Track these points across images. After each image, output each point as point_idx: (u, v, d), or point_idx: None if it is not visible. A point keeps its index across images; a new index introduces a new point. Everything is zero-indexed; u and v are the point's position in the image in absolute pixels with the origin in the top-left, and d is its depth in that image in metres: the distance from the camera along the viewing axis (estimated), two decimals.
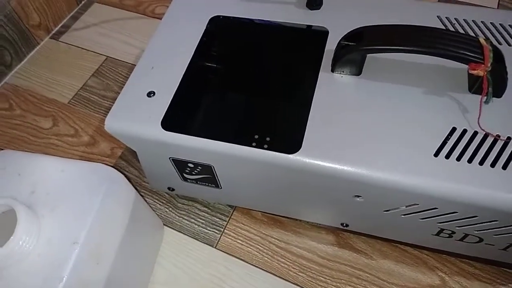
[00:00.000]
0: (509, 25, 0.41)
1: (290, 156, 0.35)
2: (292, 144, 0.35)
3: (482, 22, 0.42)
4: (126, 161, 0.54)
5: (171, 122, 0.38)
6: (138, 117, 0.38)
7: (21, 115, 0.60)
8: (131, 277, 0.40)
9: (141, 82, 0.41)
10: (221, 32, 0.46)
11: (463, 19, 0.42)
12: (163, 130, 0.37)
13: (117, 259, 0.35)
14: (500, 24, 0.41)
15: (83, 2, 0.74)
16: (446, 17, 0.42)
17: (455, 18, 0.42)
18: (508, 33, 0.41)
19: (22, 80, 0.64)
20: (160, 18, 0.47)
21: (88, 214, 0.32)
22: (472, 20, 0.42)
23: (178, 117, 0.38)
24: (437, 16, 0.42)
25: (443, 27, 0.41)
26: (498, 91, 0.36)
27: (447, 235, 0.38)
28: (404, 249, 0.45)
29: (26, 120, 0.59)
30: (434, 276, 0.43)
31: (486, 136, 0.34)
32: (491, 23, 0.42)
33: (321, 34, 0.42)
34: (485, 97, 0.35)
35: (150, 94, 0.39)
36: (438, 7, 0.44)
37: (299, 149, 0.35)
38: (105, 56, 0.66)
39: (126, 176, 0.50)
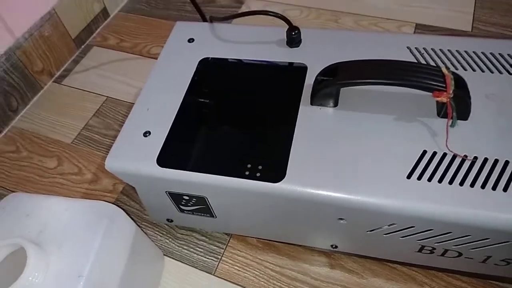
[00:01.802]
0: (473, 51, 0.45)
1: (276, 184, 0.38)
2: (277, 173, 0.38)
3: (448, 50, 0.45)
4: (127, 195, 0.57)
5: (165, 159, 0.41)
6: (135, 156, 0.41)
7: (27, 156, 0.64)
8: None
9: (138, 123, 0.44)
10: (210, 72, 0.49)
11: (431, 48, 0.46)
12: (158, 167, 0.40)
13: None
14: (465, 51, 0.45)
15: (83, 47, 0.79)
16: (415, 48, 0.46)
17: (423, 48, 0.46)
18: (472, 59, 0.44)
19: (28, 123, 0.68)
20: (156, 58, 0.50)
21: (91, 249, 0.35)
22: (439, 49, 0.45)
23: (172, 154, 0.42)
24: (407, 47, 0.46)
25: (413, 57, 0.45)
26: (463, 115, 0.39)
27: (429, 251, 0.40)
28: (393, 267, 0.47)
29: (32, 161, 0.63)
30: None
31: (454, 157, 0.37)
32: (456, 50, 0.45)
33: (301, 70, 0.46)
34: (451, 121, 0.38)
35: (146, 134, 0.43)
36: (408, 39, 0.48)
37: (283, 178, 0.38)
38: (105, 97, 0.70)
39: (127, 209, 0.54)
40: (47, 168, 0.62)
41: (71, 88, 0.73)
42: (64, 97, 0.71)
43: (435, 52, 0.45)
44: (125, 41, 0.79)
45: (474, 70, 0.43)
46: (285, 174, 0.38)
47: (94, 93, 0.71)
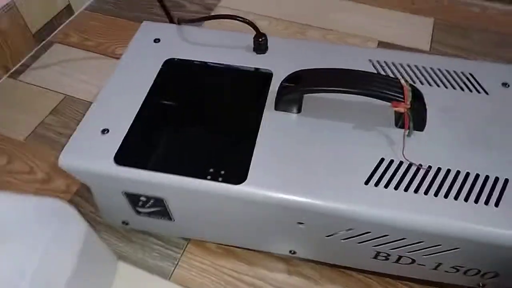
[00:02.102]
0: (430, 67, 0.47)
1: (237, 186, 0.37)
2: (238, 176, 0.38)
3: (407, 65, 0.47)
4: (81, 196, 0.55)
5: (123, 157, 0.40)
6: (92, 153, 0.40)
7: None
8: None
9: (96, 120, 0.43)
10: (175, 73, 0.49)
11: (391, 62, 0.47)
12: (115, 165, 0.39)
13: None
14: (422, 66, 0.47)
15: (43, 43, 0.76)
16: (376, 61, 0.48)
17: (384, 61, 0.47)
18: (429, 75, 0.46)
19: None
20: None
21: (37, 247, 0.33)
22: (399, 63, 0.47)
23: (131, 152, 0.40)
24: (369, 60, 0.48)
25: (374, 70, 0.47)
26: (419, 125, 0.40)
27: (384, 258, 0.41)
28: (350, 274, 0.48)
29: None
30: None
31: (410, 165, 0.38)
32: (415, 65, 0.47)
33: (266, 76, 0.46)
34: (407, 131, 0.40)
35: (105, 131, 0.41)
36: (370, 52, 0.49)
37: (244, 180, 0.38)
38: (64, 95, 0.67)
39: (81, 211, 0.51)
40: None
41: (27, 84, 0.69)
42: (19, 93, 0.68)
43: (395, 66, 0.47)
44: (89, 40, 0.77)
45: (430, 85, 0.46)
46: (247, 176, 0.38)
47: (52, 90, 0.68)
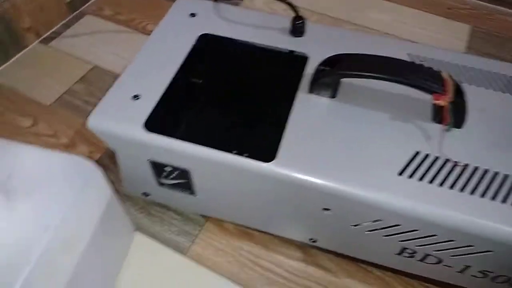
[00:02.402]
0: (470, 67, 0.46)
1: (265, 164, 0.37)
2: (267, 153, 0.37)
3: (447, 62, 0.46)
4: (103, 165, 0.54)
5: (153, 124, 0.39)
6: (122, 117, 0.39)
7: (1, 112, 0.60)
8: (97, 275, 0.40)
9: (128, 85, 0.42)
10: (209, 48, 0.48)
11: (431, 58, 0.46)
12: (145, 131, 0.38)
13: (86, 253, 0.35)
14: (463, 65, 0.46)
15: (76, 12, 0.76)
16: (416, 55, 0.46)
17: (423, 57, 0.46)
18: (469, 74, 0.45)
19: (6, 79, 0.64)
20: None
21: (62, 203, 0.33)
22: (439, 60, 0.46)
23: (161, 120, 0.40)
24: (407, 54, 0.46)
25: None
26: (458, 122, 0.39)
27: (409, 255, 0.40)
28: (369, 270, 0.46)
29: (4, 118, 0.59)
30: None
31: (446, 161, 0.37)
32: (455, 64, 0.46)
33: (302, 59, 0.45)
34: (447, 126, 0.38)
35: (136, 97, 0.41)
36: (409, 46, 0.48)
37: (274, 159, 0.37)
38: (93, 65, 0.67)
39: None
40: (20, 126, 0.58)
41: (58, 50, 0.69)
42: (49, 58, 0.68)
43: (434, 62, 0.46)
44: (121, 14, 0.77)
45: (470, 84, 0.44)
46: (276, 155, 0.37)
47: (81, 59, 0.68)
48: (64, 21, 0.74)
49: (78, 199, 0.34)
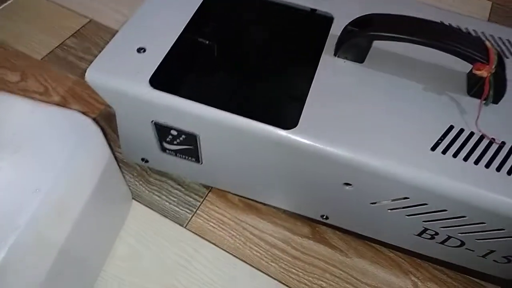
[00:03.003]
0: (506, 39, 0.42)
1: (285, 132, 0.33)
2: (288, 120, 0.33)
3: (482, 33, 0.42)
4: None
5: (161, 80, 0.35)
6: (125, 71, 0.35)
7: None
8: (91, 244, 0.37)
9: (132, 36, 0.38)
10: (223, 3, 0.43)
11: (465, 28, 0.42)
12: (151, 88, 0.34)
13: (80, 219, 0.32)
14: (498, 37, 0.42)
15: None
16: (448, 23, 0.42)
17: (457, 26, 0.42)
18: (506, 47, 0.41)
19: None
20: None
21: (55, 162, 0.29)
22: (473, 30, 0.42)
23: (169, 76, 0.35)
24: (440, 21, 0.42)
25: None
26: (497, 96, 0.35)
27: (429, 237, 0.37)
28: (380, 250, 0.44)
29: None
30: (407, 280, 0.42)
31: (482, 137, 0.34)
32: (490, 35, 0.42)
33: (326, 19, 0.41)
34: (485, 100, 0.35)
35: (141, 50, 0.36)
36: (444, 14, 0.44)
37: (295, 126, 0.33)
38: (89, 19, 0.62)
39: None
40: (7, 81, 0.53)
41: (51, 2, 0.63)
42: (41, 9, 0.62)
43: (476, 33, 0.42)
44: None
45: (507, 58, 0.40)
46: (298, 123, 0.33)
47: (77, 12, 0.62)
48: None
49: (73, 159, 0.30)
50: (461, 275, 0.43)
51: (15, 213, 0.26)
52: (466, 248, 0.37)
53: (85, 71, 0.35)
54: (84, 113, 0.50)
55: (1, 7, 0.62)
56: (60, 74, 0.55)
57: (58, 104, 0.52)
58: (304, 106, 0.34)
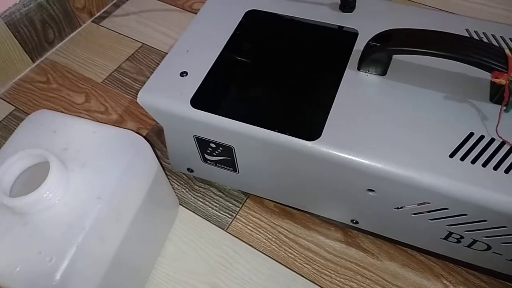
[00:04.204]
0: None
1: (309, 143, 0.36)
2: (312, 132, 0.37)
3: (510, 38, 0.43)
4: (150, 142, 0.56)
5: (200, 100, 0.40)
6: (170, 93, 0.40)
7: (56, 89, 0.63)
8: (144, 245, 0.42)
9: (176, 62, 0.43)
10: (255, 25, 0.48)
11: (491, 34, 0.43)
12: (191, 107, 0.39)
13: (134, 223, 0.37)
14: None
15: None
16: (474, 31, 0.43)
17: (483, 33, 0.43)
18: None
19: (61, 57, 0.68)
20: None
21: (113, 174, 0.34)
22: (500, 36, 0.43)
23: (207, 97, 0.40)
24: (466, 29, 0.43)
25: None
26: None
27: (455, 240, 0.39)
28: (411, 254, 0.45)
29: (60, 94, 0.63)
30: (439, 284, 0.43)
31: (502, 143, 0.35)
32: None
33: (351, 35, 0.44)
34: (505, 106, 0.36)
35: (183, 74, 0.42)
36: (467, 21, 0.45)
37: (318, 137, 0.36)
38: (141, 43, 0.69)
39: None
40: (74, 103, 0.62)
41: (108, 30, 0.72)
42: (100, 37, 0.71)
43: (494, 38, 0.43)
44: None
45: None
46: (321, 134, 0.36)
47: (130, 38, 0.70)
48: (114, 1, 0.77)
49: (128, 171, 0.35)
50: (495, 279, 0.43)
51: (81, 217, 0.32)
52: (494, 252, 0.38)
53: (138, 91, 0.41)
54: (137, 128, 0.57)
55: (69, 37, 0.71)
56: (117, 95, 0.62)
57: (116, 122, 0.59)
58: (328, 118, 0.38)
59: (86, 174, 0.34)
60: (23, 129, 0.38)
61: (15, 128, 0.38)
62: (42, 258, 0.30)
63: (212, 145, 0.42)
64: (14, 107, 0.62)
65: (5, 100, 0.63)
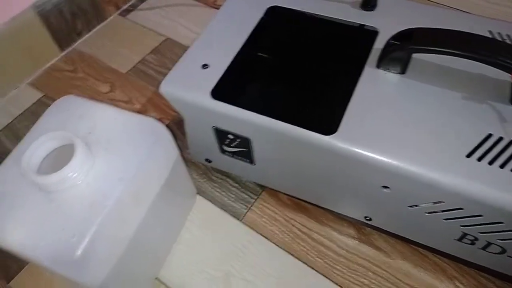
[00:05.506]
0: None
1: (325, 137, 0.37)
2: (329, 126, 0.37)
3: None
4: (171, 132, 0.57)
5: (219, 92, 0.41)
6: (191, 84, 0.42)
7: (83, 78, 0.66)
8: (161, 230, 0.43)
9: (198, 55, 0.44)
10: (277, 20, 0.48)
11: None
12: (211, 98, 0.40)
13: (153, 207, 0.38)
14: None
15: None
16: (498, 33, 0.43)
17: (506, 34, 0.43)
18: None
19: (89, 48, 0.70)
20: None
21: (134, 159, 0.36)
22: None
23: (227, 89, 0.41)
24: (489, 31, 0.43)
25: None
26: None
27: (470, 242, 0.38)
28: (424, 254, 0.45)
29: (87, 83, 0.65)
30: (452, 286, 0.43)
31: None
32: None
33: (371, 34, 0.44)
34: None
35: (205, 66, 0.43)
36: (490, 23, 0.44)
37: (335, 132, 0.37)
38: (165, 37, 0.71)
39: None
40: (99, 92, 0.64)
41: (134, 23, 0.74)
42: (126, 30, 0.73)
43: None
44: None
45: None
46: (338, 128, 0.37)
47: (155, 31, 0.72)
48: None
49: (149, 156, 0.37)
50: (509, 284, 0.43)
51: (104, 196, 0.33)
52: (508, 256, 0.37)
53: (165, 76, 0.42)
54: (159, 119, 0.58)
55: (96, 29, 0.73)
56: (141, 86, 0.64)
57: (139, 111, 0.60)
58: (345, 113, 0.38)
59: (108, 157, 0.36)
60: (51, 112, 0.40)
61: (42, 114, 0.40)
62: (65, 234, 0.32)
63: (230, 136, 0.43)
64: (43, 94, 0.64)
65: (34, 87, 0.65)
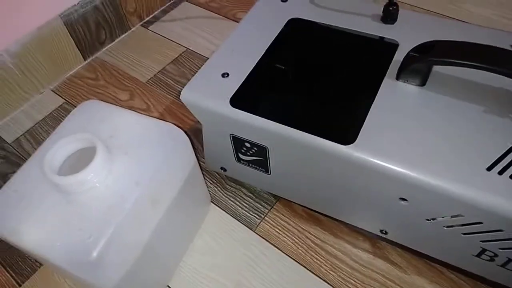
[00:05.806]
0: None
1: (344, 147, 0.37)
2: (347, 136, 0.37)
3: None
4: None
5: (238, 101, 0.41)
6: (211, 92, 0.42)
7: (104, 85, 0.67)
8: (175, 236, 0.44)
9: (218, 64, 0.45)
10: (297, 32, 0.49)
11: None
12: (230, 106, 0.41)
13: (168, 212, 0.39)
14: None
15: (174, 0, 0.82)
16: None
17: None
18: None
19: (110, 57, 0.72)
20: None
21: (152, 163, 0.36)
22: None
23: (246, 97, 0.42)
24: (510, 45, 0.43)
25: None
26: None
27: (489, 258, 0.37)
28: (440, 270, 0.44)
29: (107, 91, 0.66)
30: None
31: None
32: None
33: (391, 46, 0.44)
34: None
35: (224, 75, 0.43)
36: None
37: (353, 142, 0.37)
38: (185, 48, 0.72)
39: None
40: (119, 99, 0.65)
41: (156, 34, 0.76)
42: (148, 40, 0.74)
43: None
44: (214, 1, 0.81)
45: None
46: (356, 139, 0.37)
47: (175, 42, 0.73)
48: (163, 7, 0.81)
49: (166, 161, 0.37)
50: None
51: (122, 199, 0.34)
52: None
53: (180, 93, 0.43)
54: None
55: (119, 39, 0.75)
56: (160, 95, 0.65)
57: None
58: (364, 124, 0.38)
59: (127, 161, 0.36)
60: (74, 116, 0.41)
61: (63, 120, 0.41)
62: (82, 235, 0.32)
63: (247, 144, 0.43)
64: (64, 100, 0.66)
65: (56, 93, 0.67)
